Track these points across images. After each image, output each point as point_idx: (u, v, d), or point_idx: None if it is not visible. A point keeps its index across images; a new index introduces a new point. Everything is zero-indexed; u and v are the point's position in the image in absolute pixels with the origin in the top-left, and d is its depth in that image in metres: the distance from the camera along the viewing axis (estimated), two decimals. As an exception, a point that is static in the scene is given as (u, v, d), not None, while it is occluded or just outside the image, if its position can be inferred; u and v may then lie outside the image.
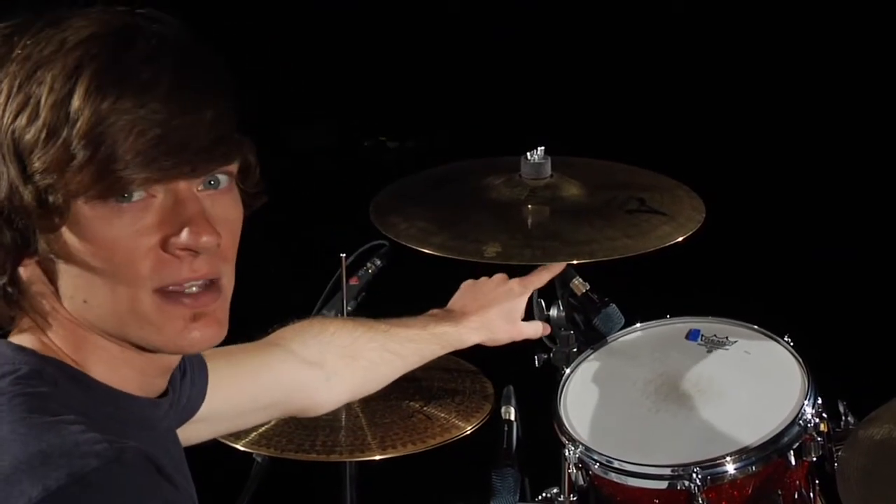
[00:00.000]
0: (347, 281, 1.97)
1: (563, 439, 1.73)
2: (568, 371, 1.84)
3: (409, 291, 1.66)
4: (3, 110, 0.96)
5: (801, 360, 1.81)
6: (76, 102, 0.96)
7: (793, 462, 1.68)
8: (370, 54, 4.19)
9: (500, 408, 1.83)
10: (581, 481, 1.73)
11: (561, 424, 1.74)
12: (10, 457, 0.94)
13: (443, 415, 1.85)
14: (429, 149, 4.04)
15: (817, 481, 1.74)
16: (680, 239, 1.83)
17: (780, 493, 1.68)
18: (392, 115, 4.27)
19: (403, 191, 1.98)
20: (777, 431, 1.68)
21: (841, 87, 3.72)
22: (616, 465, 1.68)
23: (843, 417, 1.73)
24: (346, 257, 1.97)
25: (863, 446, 1.49)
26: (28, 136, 0.96)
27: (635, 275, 1.86)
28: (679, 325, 1.94)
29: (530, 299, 1.85)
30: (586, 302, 1.85)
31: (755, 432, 1.68)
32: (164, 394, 1.12)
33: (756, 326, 1.91)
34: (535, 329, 1.83)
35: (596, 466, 1.70)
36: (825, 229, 3.28)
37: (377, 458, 1.76)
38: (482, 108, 3.80)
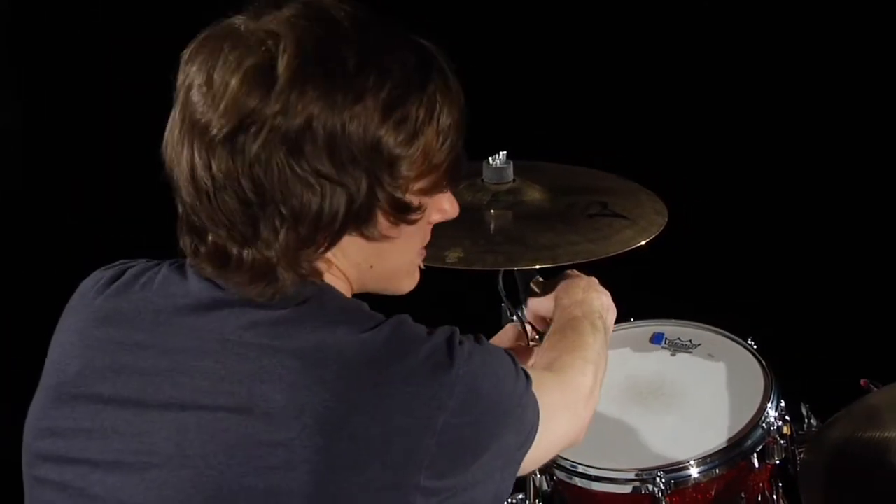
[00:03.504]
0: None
1: (528, 445, 1.72)
2: (532, 376, 1.83)
3: (371, 298, 1.64)
4: (376, 120, 1.08)
5: (763, 363, 1.82)
6: (443, 119, 1.14)
7: (756, 465, 1.69)
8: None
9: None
10: (546, 487, 1.73)
11: (525, 430, 1.74)
12: (417, 357, 1.10)
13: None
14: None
15: (780, 483, 1.75)
16: (643, 242, 1.83)
17: (743, 495, 1.69)
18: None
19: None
20: (741, 434, 1.68)
21: (801, 89, 3.75)
22: (580, 469, 1.68)
23: (806, 420, 1.74)
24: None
25: (824, 448, 1.50)
26: (400, 150, 1.10)
27: (598, 279, 1.86)
28: (643, 329, 1.94)
29: (499, 305, 1.84)
30: None
31: (719, 435, 1.69)
32: None
33: (719, 329, 1.91)
34: None
35: (560, 472, 1.69)
36: (788, 233, 3.30)
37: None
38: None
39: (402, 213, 1.14)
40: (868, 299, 3.05)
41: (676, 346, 1.89)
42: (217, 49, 1.10)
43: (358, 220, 1.11)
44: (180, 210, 1.14)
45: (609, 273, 1.89)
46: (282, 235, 1.09)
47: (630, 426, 1.73)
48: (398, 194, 1.12)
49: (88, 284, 1.23)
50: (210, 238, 1.12)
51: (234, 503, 1.08)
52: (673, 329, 1.93)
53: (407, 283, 1.26)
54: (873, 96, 3.59)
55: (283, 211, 1.08)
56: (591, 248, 1.78)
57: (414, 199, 1.14)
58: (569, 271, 1.69)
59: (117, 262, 1.25)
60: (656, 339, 1.92)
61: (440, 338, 1.13)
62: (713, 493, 1.66)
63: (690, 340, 1.90)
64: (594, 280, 1.65)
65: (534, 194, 1.89)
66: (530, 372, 1.24)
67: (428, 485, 1.08)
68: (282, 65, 1.07)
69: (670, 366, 1.85)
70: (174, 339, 1.14)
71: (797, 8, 3.72)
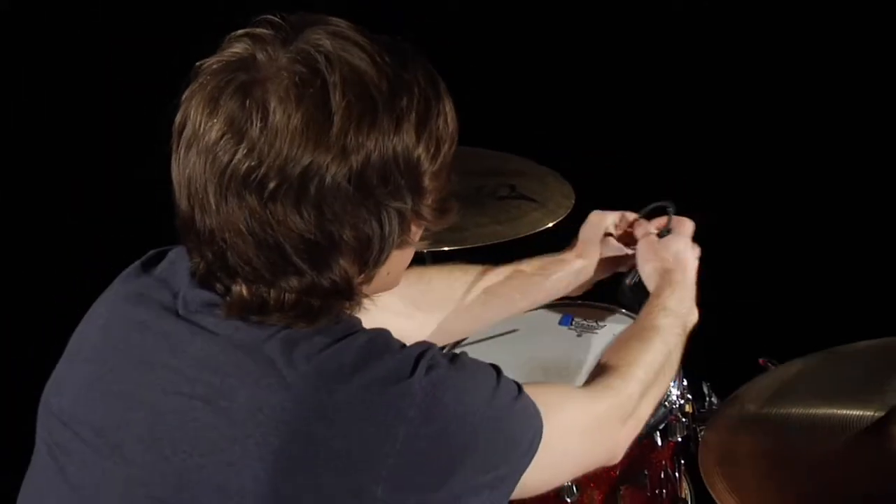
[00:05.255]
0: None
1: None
2: (440, 357, 1.84)
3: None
4: (413, 140, 1.11)
5: (666, 342, 1.84)
6: (452, 126, 1.16)
7: (659, 442, 1.72)
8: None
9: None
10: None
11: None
12: (382, 366, 1.09)
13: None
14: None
15: (682, 461, 1.79)
16: (550, 224, 1.85)
17: (646, 472, 1.72)
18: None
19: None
20: (644, 413, 1.71)
21: (705, 71, 3.82)
22: (488, 450, 1.68)
23: (707, 398, 1.78)
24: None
25: (724, 425, 1.54)
26: (429, 165, 1.12)
27: (506, 261, 1.87)
28: (553, 312, 1.96)
29: None
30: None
31: (622, 414, 1.71)
32: None
33: (624, 311, 1.94)
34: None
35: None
36: (689, 214, 3.36)
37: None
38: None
39: (442, 217, 1.17)
40: (765, 282, 3.13)
41: (583, 328, 1.92)
42: (245, 91, 1.07)
43: (403, 234, 1.14)
44: (205, 257, 1.12)
45: (517, 255, 1.91)
46: (344, 269, 1.10)
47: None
48: (435, 204, 1.15)
49: (137, 264, 1.25)
50: (243, 287, 1.11)
51: (190, 493, 1.07)
52: (581, 311, 1.95)
53: (401, 279, 1.26)
54: (783, 92, 3.67)
55: (348, 246, 1.10)
56: (499, 230, 1.80)
57: (436, 203, 1.17)
58: (681, 248, 1.64)
59: (169, 248, 1.25)
60: (564, 321, 1.94)
61: (412, 351, 1.13)
62: (617, 471, 1.68)
63: (597, 321, 1.93)
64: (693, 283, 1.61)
65: (442, 177, 1.90)
66: (553, 389, 1.25)
67: (388, 497, 1.06)
68: (335, 104, 1.06)
69: (576, 347, 1.87)
70: (172, 324, 1.14)
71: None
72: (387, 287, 1.22)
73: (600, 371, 1.39)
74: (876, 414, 1.45)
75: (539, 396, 1.21)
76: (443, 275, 1.69)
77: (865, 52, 3.70)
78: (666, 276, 1.60)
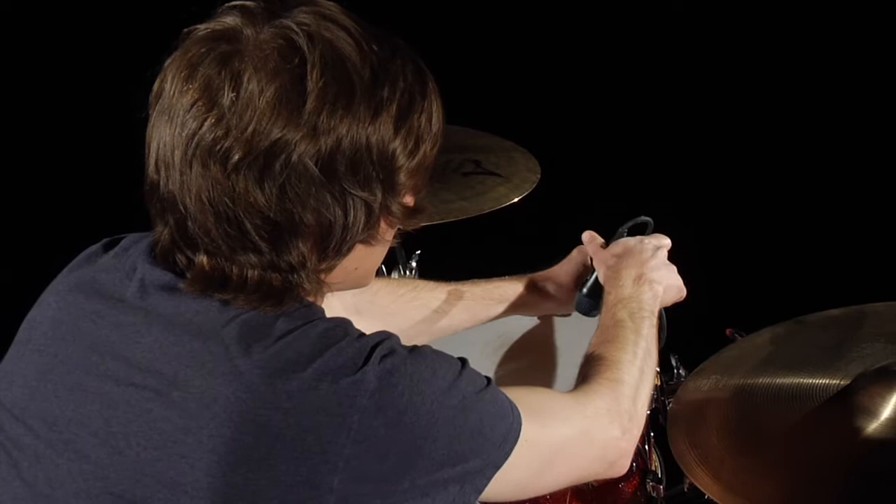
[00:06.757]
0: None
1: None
2: (408, 335, 1.83)
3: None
4: (390, 132, 1.09)
5: (634, 315, 1.84)
6: (435, 124, 1.14)
7: (628, 415, 1.72)
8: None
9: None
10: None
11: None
12: (337, 355, 1.07)
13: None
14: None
15: (652, 433, 1.79)
16: (516, 199, 1.84)
17: (616, 446, 1.71)
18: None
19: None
20: (612, 386, 1.70)
21: (657, 46, 3.82)
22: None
23: (675, 370, 1.79)
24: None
25: (692, 397, 1.54)
26: (405, 161, 1.11)
27: (472, 236, 1.87)
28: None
29: None
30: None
31: (591, 388, 1.70)
32: None
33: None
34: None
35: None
36: (656, 186, 3.37)
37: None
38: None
39: (411, 218, 1.15)
40: (732, 253, 3.15)
41: (550, 302, 1.91)
42: (223, 61, 1.06)
43: (369, 228, 1.11)
44: (169, 224, 1.10)
45: (483, 230, 1.90)
46: (302, 253, 1.09)
47: (505, 383, 1.74)
48: (406, 202, 1.14)
49: (88, 251, 1.23)
50: (205, 259, 1.10)
51: (146, 487, 1.06)
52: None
53: (373, 277, 1.25)
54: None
55: (308, 229, 1.08)
56: (464, 205, 1.79)
57: (410, 202, 1.16)
58: (629, 241, 1.64)
59: (123, 235, 1.23)
60: (531, 296, 1.92)
61: (369, 340, 1.10)
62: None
63: (565, 296, 1.92)
64: (650, 263, 1.58)
65: (407, 153, 1.88)
66: (535, 391, 1.22)
67: (346, 487, 1.04)
68: (311, 83, 1.05)
69: (545, 322, 1.87)
70: (127, 314, 1.12)
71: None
72: (357, 283, 1.21)
73: (582, 380, 1.37)
74: (841, 382, 1.46)
75: (518, 397, 1.19)
76: (390, 287, 1.69)
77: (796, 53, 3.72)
78: (615, 266, 1.60)
